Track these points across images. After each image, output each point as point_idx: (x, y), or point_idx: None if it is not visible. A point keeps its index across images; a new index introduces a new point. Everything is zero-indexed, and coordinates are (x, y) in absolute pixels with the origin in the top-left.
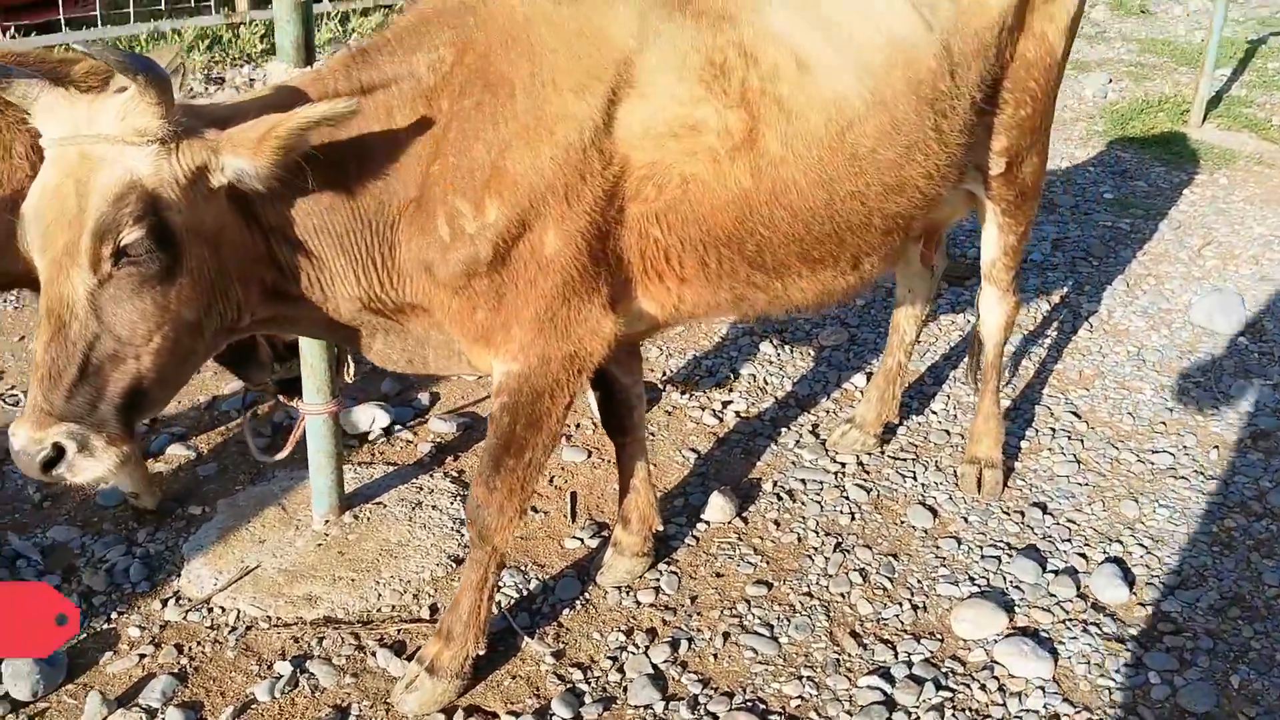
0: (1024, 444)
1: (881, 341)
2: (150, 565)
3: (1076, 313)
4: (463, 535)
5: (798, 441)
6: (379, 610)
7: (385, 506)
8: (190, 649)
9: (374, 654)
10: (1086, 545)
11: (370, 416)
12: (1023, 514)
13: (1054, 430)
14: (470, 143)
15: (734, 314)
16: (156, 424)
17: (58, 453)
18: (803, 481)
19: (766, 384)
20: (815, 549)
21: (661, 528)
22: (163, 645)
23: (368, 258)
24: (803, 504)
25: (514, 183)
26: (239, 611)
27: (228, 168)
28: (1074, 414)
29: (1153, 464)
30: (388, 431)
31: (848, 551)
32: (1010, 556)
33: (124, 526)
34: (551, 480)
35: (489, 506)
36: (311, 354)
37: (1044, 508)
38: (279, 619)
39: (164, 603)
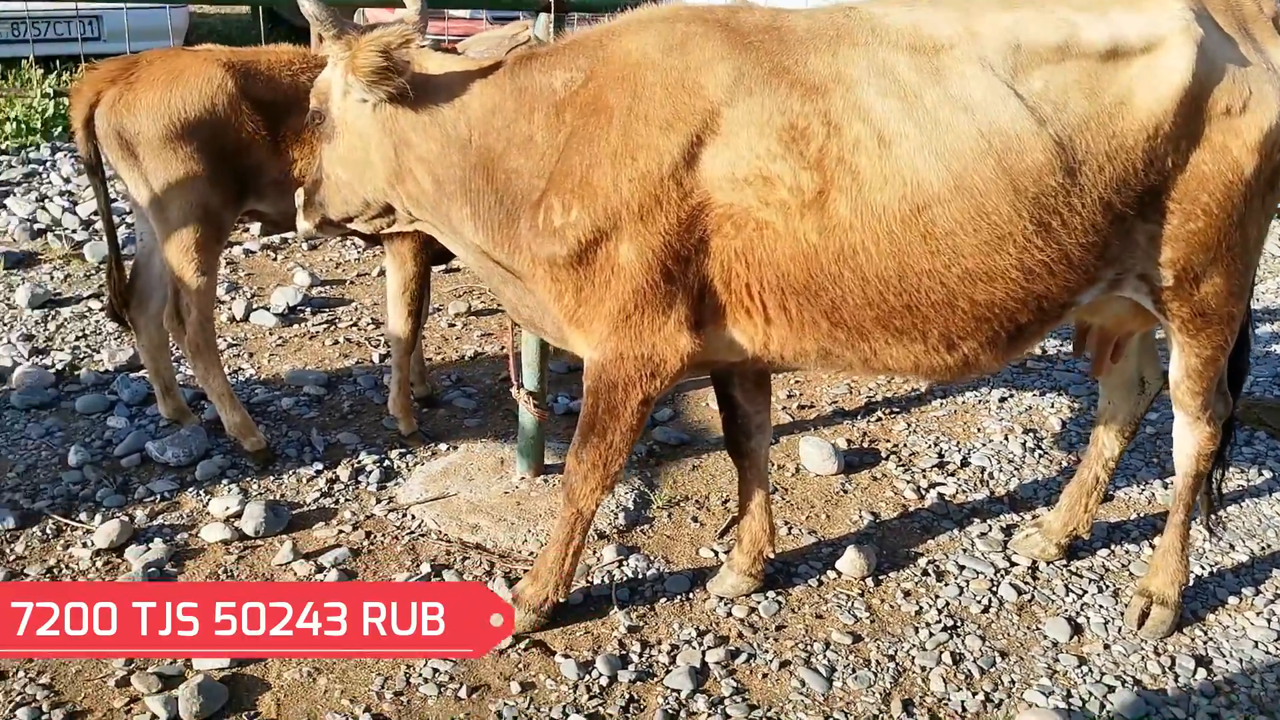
0: (1232, 599)
1: (1149, 473)
2: (387, 474)
3: None
4: (612, 519)
5: (983, 535)
6: (517, 551)
7: None
8: (374, 537)
9: (493, 579)
10: (1228, 708)
11: None
12: (1173, 660)
13: None
14: (572, 153)
15: (829, 366)
16: (461, 383)
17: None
18: (960, 567)
19: (991, 478)
20: (928, 624)
21: (773, 554)
22: (359, 528)
23: (488, 218)
24: (945, 585)
25: (594, 193)
26: (422, 522)
27: (351, 84)
28: None
29: None
30: None
31: (958, 636)
32: (1126, 690)
33: (389, 444)
34: (725, 502)
35: (576, 474)
36: (529, 346)
37: (1205, 662)
38: (444, 534)
39: (378, 500)
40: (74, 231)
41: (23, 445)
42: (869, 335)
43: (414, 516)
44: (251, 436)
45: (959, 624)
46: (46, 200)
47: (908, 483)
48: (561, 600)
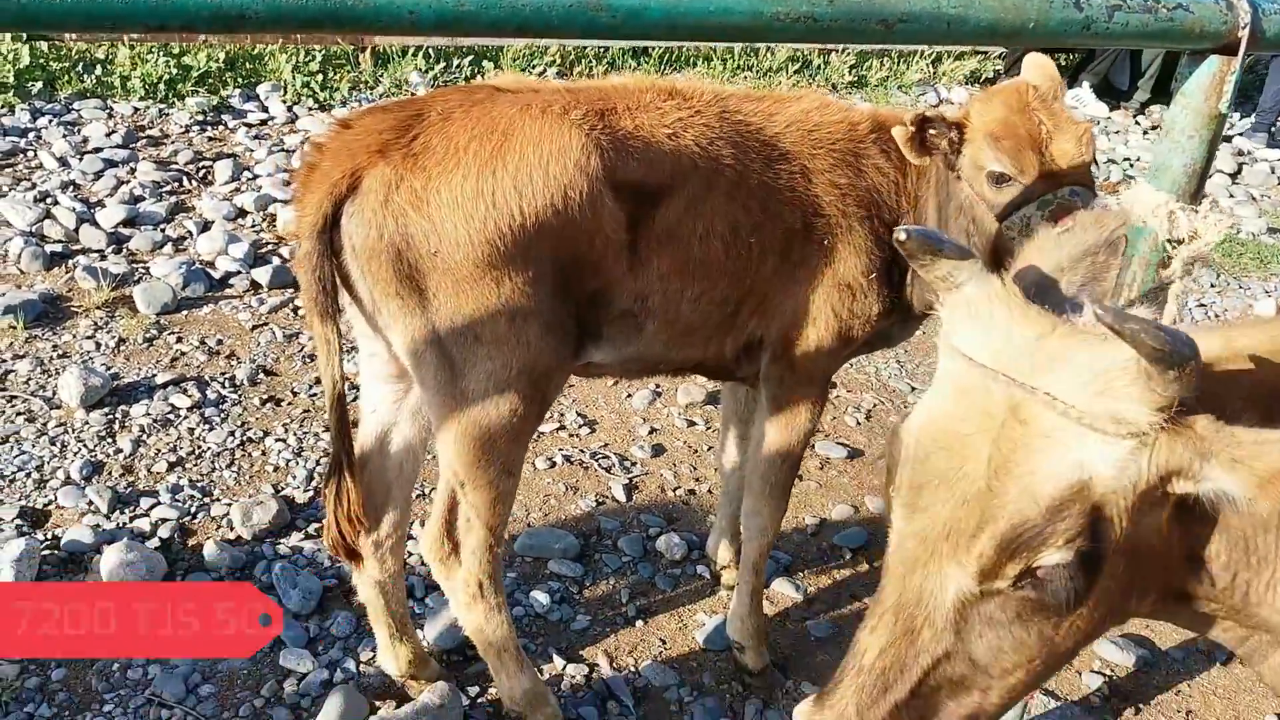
0: None
1: None
2: None
3: None
4: None
5: None
6: None
7: None
8: None
9: None
10: None
11: None
12: None
13: None
14: None
15: None
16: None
17: None
18: None
19: None
20: None
21: None
22: None
23: None
24: None
25: None
26: None
27: (1209, 484)
28: None
29: None
30: None
31: None
32: None
33: (725, 683)
34: None
35: None
36: None
37: None
38: None
39: None
40: (104, 255)
41: (131, 707)
42: None
43: None
44: (545, 707)
45: None
46: (50, 201)
47: None
48: None
